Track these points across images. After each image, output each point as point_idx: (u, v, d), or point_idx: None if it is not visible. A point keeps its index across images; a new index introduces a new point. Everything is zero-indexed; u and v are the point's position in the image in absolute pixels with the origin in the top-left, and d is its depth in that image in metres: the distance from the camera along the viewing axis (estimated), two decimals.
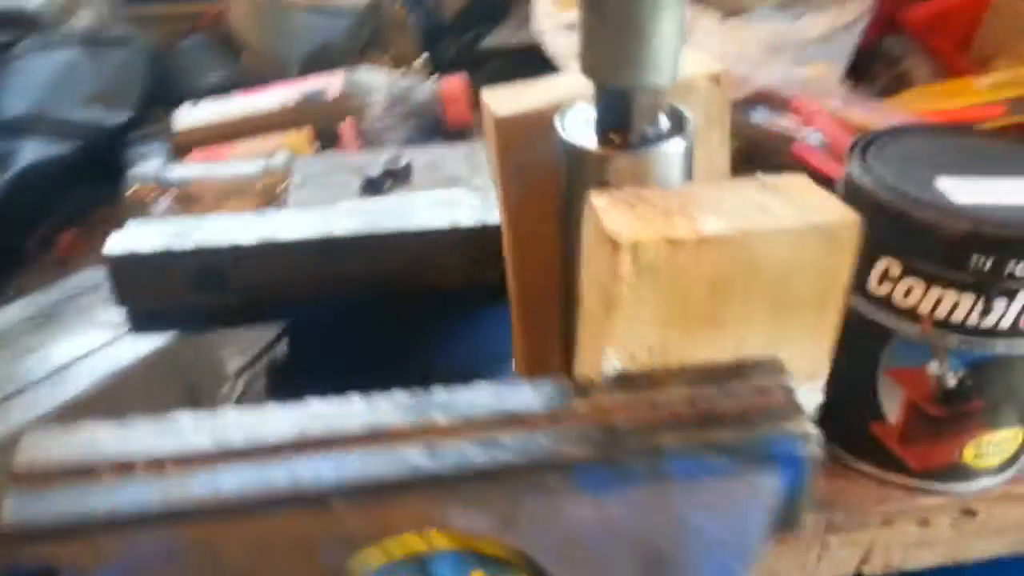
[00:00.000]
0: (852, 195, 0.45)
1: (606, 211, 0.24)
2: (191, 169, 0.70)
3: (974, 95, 0.69)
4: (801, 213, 0.24)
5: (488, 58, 0.94)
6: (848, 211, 0.24)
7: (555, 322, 0.32)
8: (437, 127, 0.80)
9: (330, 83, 0.81)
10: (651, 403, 0.24)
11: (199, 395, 0.52)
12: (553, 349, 0.33)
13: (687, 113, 0.27)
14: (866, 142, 0.47)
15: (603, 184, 0.26)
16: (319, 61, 0.95)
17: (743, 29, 0.79)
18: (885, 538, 0.47)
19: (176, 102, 0.85)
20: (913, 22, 0.85)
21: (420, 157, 0.53)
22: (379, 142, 0.77)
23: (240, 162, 0.70)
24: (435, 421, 0.23)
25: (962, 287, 0.40)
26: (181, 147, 0.78)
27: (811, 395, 0.27)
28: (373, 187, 0.49)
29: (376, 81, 0.80)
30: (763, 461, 0.24)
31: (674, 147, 0.26)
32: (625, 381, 0.25)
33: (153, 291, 0.32)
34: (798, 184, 0.25)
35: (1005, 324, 0.40)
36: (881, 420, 0.46)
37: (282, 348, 0.38)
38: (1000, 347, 0.41)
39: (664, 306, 0.24)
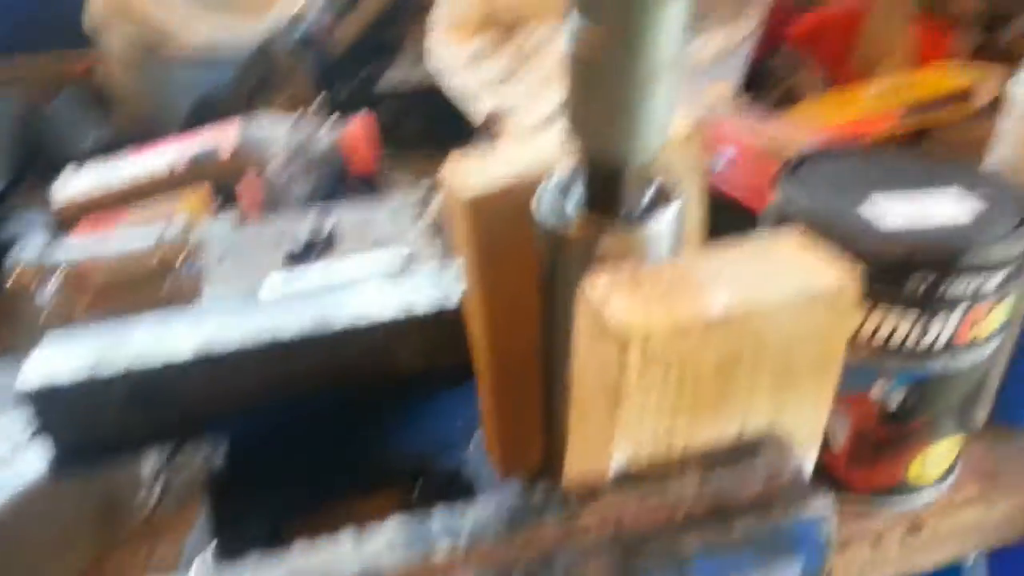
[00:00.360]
0: (785, 223, 0.45)
1: (605, 300, 0.22)
2: (79, 246, 0.64)
3: (864, 104, 0.72)
4: (803, 279, 0.23)
5: (384, 98, 0.91)
6: (848, 271, 0.23)
7: (534, 405, 0.30)
8: (342, 176, 0.77)
9: (223, 137, 0.76)
10: (664, 501, 0.23)
11: (115, 505, 0.47)
12: (532, 432, 0.31)
13: (672, 180, 0.25)
14: (792, 167, 0.47)
15: (592, 264, 0.24)
16: (204, 113, 0.90)
17: None
18: (842, 563, 0.47)
19: (51, 167, 0.78)
20: (796, 36, 0.87)
21: (343, 218, 0.50)
22: (283, 197, 0.74)
23: (133, 234, 0.65)
24: (439, 555, 0.21)
25: (902, 310, 0.41)
26: (66, 219, 0.72)
27: (809, 460, 0.26)
28: (299, 259, 0.46)
29: (273, 132, 0.76)
30: (786, 549, 0.23)
31: (666, 220, 0.24)
32: (633, 479, 0.23)
33: (80, 424, 0.28)
34: (791, 244, 0.24)
35: (942, 342, 0.41)
36: (827, 448, 0.46)
37: (219, 455, 0.34)
38: (939, 365, 0.42)
39: (672, 394, 0.23)
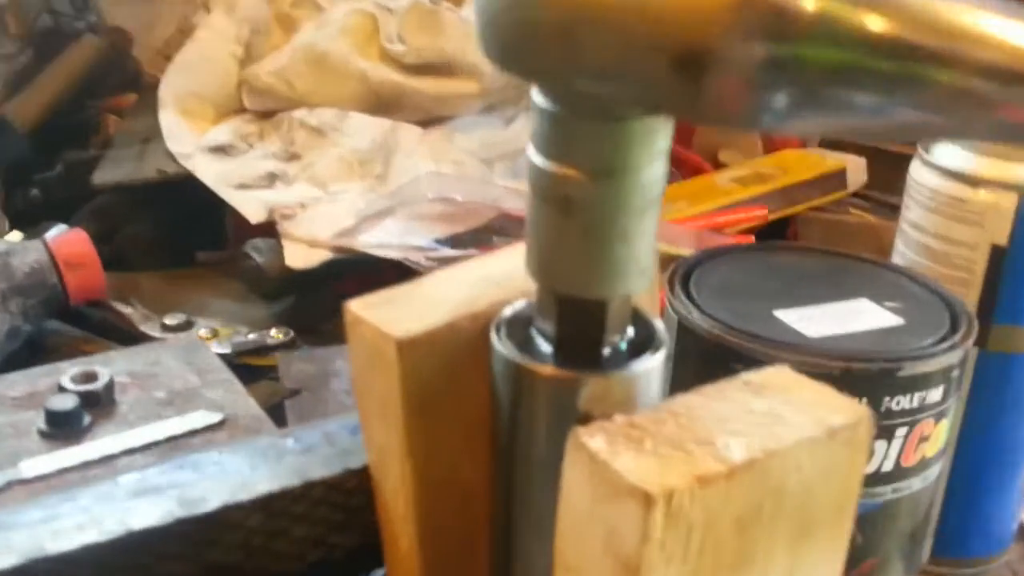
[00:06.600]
0: (689, 341, 0.50)
1: (610, 452, 0.25)
2: None
3: (723, 194, 0.82)
4: (815, 415, 0.28)
5: (99, 196, 0.90)
6: (856, 404, 0.28)
7: None
8: (59, 304, 0.74)
9: None
10: None
11: None
12: None
13: (648, 313, 0.29)
14: (682, 276, 0.54)
15: (572, 411, 0.27)
16: None
17: (449, 140, 0.85)
18: None
19: None
20: None
21: (117, 366, 0.49)
22: None
23: None
24: None
25: None
26: None
27: None
28: (66, 424, 0.45)
29: None
30: None
31: (656, 361, 0.28)
32: None
33: None
34: (785, 379, 0.29)
35: (888, 467, 0.48)
36: None
37: None
38: (887, 493, 0.48)
39: (693, 560, 0.26)
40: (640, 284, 0.27)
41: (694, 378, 0.29)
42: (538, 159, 0.26)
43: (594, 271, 0.26)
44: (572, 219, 0.26)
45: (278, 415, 0.54)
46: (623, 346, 0.28)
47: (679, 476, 0.25)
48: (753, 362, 0.47)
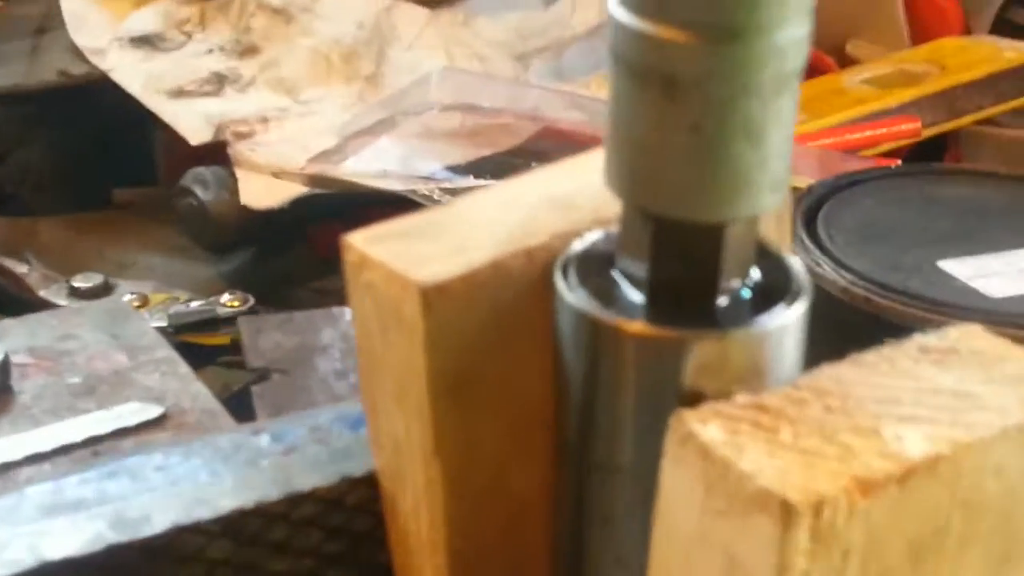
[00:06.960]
0: (817, 304, 0.50)
1: (731, 446, 0.25)
2: None
3: (855, 100, 0.81)
4: (1023, 394, 0.27)
5: None
6: None
7: None
8: None
9: None
10: None
11: None
12: None
13: (779, 249, 0.28)
14: (805, 214, 0.53)
15: (676, 385, 0.26)
16: None
17: (467, 25, 0.84)
18: None
19: None
20: None
21: (13, 341, 0.49)
22: None
23: None
24: None
25: None
26: None
27: None
28: None
29: None
30: None
31: (792, 315, 0.27)
32: None
33: None
34: (979, 343, 0.28)
35: None
36: None
37: None
38: None
39: None
40: (771, 202, 0.26)
41: (823, 357, 0.28)
42: (625, 16, 0.25)
43: (707, 182, 0.25)
44: (676, 105, 0.25)
45: (241, 408, 0.54)
46: (746, 293, 0.27)
47: (831, 480, 0.24)
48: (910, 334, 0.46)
